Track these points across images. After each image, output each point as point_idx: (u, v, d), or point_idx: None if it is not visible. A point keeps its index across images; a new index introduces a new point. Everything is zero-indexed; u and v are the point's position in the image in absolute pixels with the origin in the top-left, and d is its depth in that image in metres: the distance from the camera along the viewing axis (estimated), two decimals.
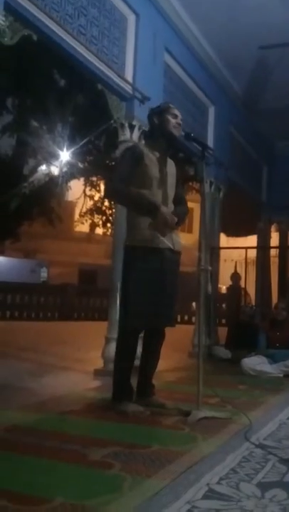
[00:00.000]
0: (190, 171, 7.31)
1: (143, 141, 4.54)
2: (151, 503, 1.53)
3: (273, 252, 9.92)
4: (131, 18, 4.62)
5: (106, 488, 1.64)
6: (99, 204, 16.48)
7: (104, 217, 16.61)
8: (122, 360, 2.91)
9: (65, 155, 11.99)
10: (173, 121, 3.00)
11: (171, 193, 3.00)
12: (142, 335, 3.02)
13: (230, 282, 12.19)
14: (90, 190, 16.05)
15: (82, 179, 14.97)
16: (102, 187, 15.75)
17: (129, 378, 2.92)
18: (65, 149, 11.71)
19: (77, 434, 2.34)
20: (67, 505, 1.49)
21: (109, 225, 16.07)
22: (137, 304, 2.79)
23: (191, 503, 1.53)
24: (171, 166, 3.06)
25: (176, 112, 3.05)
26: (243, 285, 7.95)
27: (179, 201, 3.08)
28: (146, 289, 2.80)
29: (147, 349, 3.04)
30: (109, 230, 15.89)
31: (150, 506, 1.51)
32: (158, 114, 3.03)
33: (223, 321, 9.45)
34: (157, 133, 3.04)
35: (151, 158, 2.93)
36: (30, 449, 2.05)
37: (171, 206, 2.97)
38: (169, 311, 2.96)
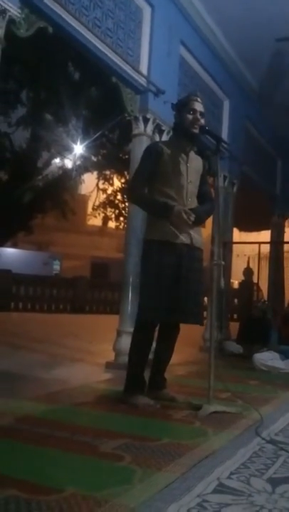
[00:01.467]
0: (204, 164, 7.28)
1: (157, 136, 4.54)
2: (161, 496, 1.53)
3: (287, 247, 9.86)
4: (146, 10, 4.59)
5: (116, 480, 1.64)
6: (112, 198, 16.53)
7: (116, 211, 16.67)
8: (137, 353, 2.91)
9: (78, 148, 12.01)
10: (190, 117, 2.91)
11: (193, 189, 2.97)
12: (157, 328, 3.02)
13: (242, 277, 12.13)
14: (103, 183, 16.11)
15: (95, 173, 15.02)
16: (116, 180, 15.78)
17: (143, 371, 2.92)
18: (78, 142, 11.73)
19: (88, 426, 2.35)
20: (77, 496, 1.49)
21: (121, 218, 16.13)
22: (152, 298, 2.79)
23: (201, 496, 1.53)
24: (195, 162, 3.01)
25: (196, 105, 2.94)
26: (255, 280, 7.92)
27: (203, 197, 3.04)
28: (162, 283, 2.79)
29: (162, 343, 3.03)
30: (122, 224, 15.94)
31: (160, 499, 1.51)
32: (178, 111, 2.99)
33: (235, 316, 9.43)
34: (179, 130, 3.00)
35: (170, 154, 2.89)
36: (41, 440, 2.07)
37: (193, 202, 2.94)
38: (194, 308, 2.91)
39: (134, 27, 4.48)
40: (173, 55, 4.95)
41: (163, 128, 4.55)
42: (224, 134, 6.25)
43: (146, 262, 2.89)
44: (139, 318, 2.91)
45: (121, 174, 14.64)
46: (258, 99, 7.13)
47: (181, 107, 2.97)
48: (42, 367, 4.27)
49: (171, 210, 2.79)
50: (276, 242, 8.67)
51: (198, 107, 2.95)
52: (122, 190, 15.69)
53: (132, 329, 3.04)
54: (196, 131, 2.94)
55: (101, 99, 10.16)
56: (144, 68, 4.55)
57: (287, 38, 5.66)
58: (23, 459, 1.85)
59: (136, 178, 3.00)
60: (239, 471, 1.78)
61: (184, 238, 2.86)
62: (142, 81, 4.51)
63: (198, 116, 2.93)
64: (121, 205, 16.16)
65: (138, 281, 3.01)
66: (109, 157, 13.28)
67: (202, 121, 2.95)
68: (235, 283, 13.41)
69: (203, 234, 3.05)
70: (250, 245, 8.26)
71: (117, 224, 17.17)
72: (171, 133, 3.78)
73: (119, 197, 16.27)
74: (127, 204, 9.72)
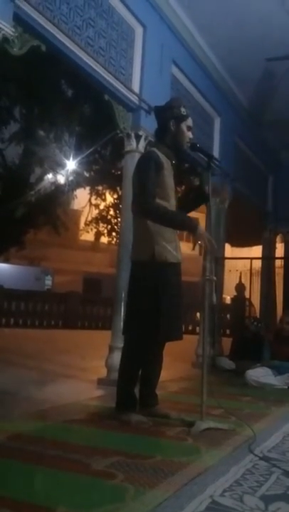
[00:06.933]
0: (195, 181, 7.34)
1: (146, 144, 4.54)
2: None
3: (278, 262, 9.90)
4: (138, 30, 4.67)
5: (109, 499, 1.63)
6: (104, 213, 16.55)
7: (109, 226, 16.66)
8: (131, 369, 2.90)
9: (71, 164, 12.06)
10: (187, 134, 2.95)
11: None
12: None
13: (234, 292, 12.14)
14: (96, 199, 16.12)
15: (87, 188, 15.05)
16: (108, 196, 15.83)
17: (134, 388, 2.91)
18: (71, 158, 11.78)
19: (80, 444, 2.33)
20: None
21: (114, 234, 16.12)
22: (174, 317, 2.82)
23: None
24: None
25: (191, 122, 2.99)
26: (247, 296, 7.93)
27: None
28: (176, 302, 2.84)
29: (151, 359, 3.01)
30: (114, 239, 15.93)
31: None
32: (176, 120, 2.94)
33: (228, 331, 9.42)
34: (169, 141, 2.95)
35: (167, 167, 2.87)
36: (32, 458, 2.05)
37: None
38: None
39: (127, 46, 4.55)
40: (165, 73, 5.02)
41: None
42: (215, 151, 6.32)
43: (159, 283, 2.78)
44: (136, 337, 2.87)
45: (113, 190, 14.70)
46: (248, 116, 7.24)
47: (181, 119, 2.95)
48: (34, 384, 4.23)
49: (196, 226, 2.78)
50: (268, 258, 8.72)
51: (192, 123, 3.02)
52: (114, 205, 15.70)
53: None
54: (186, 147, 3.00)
55: (94, 116, 10.25)
56: (136, 86, 4.61)
57: (277, 57, 5.78)
58: (14, 477, 1.83)
59: (148, 190, 2.76)
60: (232, 488, 1.78)
61: (178, 257, 2.90)
62: (134, 99, 4.56)
63: (191, 136, 3.00)
64: (113, 221, 16.17)
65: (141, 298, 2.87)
66: (101, 173, 13.34)
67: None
68: (228, 298, 13.41)
69: (196, 249, 3.09)
70: (242, 261, 8.31)
71: (110, 239, 17.14)
72: (154, 140, 3.39)
73: (111, 212, 16.29)
74: (119, 219, 9.76)
